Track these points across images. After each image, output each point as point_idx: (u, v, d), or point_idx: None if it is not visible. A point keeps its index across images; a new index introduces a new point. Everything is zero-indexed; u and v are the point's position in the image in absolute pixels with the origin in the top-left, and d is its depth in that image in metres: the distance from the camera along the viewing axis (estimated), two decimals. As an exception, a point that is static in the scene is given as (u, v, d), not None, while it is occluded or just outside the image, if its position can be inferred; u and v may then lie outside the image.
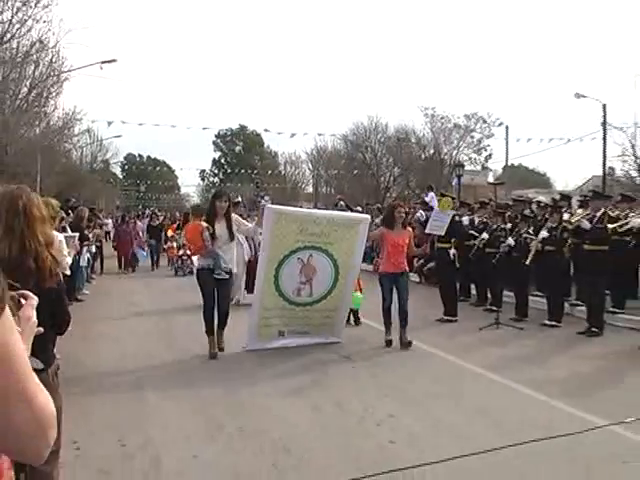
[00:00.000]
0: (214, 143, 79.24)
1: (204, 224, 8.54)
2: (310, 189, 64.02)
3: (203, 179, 79.57)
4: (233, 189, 62.55)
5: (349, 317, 10.70)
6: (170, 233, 22.51)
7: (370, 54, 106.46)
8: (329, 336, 9.43)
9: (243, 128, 74.91)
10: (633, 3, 78.30)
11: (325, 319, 9.40)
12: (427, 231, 11.63)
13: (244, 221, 9.39)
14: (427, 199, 20.45)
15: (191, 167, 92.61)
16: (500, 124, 45.15)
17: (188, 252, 19.27)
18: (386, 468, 4.88)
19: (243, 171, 63.22)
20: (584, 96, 29.20)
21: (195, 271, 9.24)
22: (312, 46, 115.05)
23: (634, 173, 26.09)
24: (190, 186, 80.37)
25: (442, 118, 47.12)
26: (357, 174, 50.29)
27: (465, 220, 13.24)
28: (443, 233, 11.58)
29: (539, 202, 14.79)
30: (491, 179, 47.95)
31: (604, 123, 28.33)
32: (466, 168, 43.26)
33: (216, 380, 7.53)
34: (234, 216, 8.93)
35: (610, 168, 29.62)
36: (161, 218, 23.78)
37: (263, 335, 9.02)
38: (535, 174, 68.45)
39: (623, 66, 74.59)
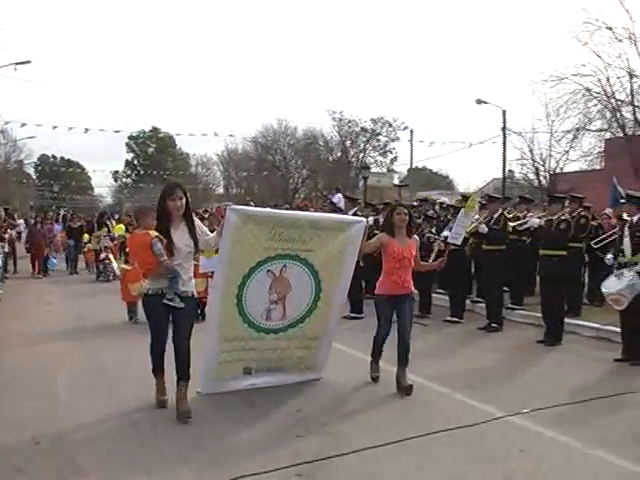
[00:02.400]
0: (127, 145, 79.33)
1: (153, 233, 6.13)
2: (221, 190, 64.35)
3: (116, 180, 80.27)
4: (145, 190, 62.12)
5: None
6: (86, 237, 21.42)
7: (279, 58, 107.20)
8: (308, 373, 7.39)
9: (156, 130, 74.60)
10: (530, 15, 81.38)
11: (303, 350, 7.26)
12: (449, 240, 10.09)
13: (206, 229, 6.72)
14: (335, 200, 20.60)
15: (104, 168, 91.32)
16: (405, 128, 46.33)
17: (110, 256, 18.13)
18: (295, 461, 4.95)
19: (155, 172, 63.10)
20: (485, 102, 30.08)
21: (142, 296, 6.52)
22: (222, 50, 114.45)
23: (532, 176, 27.06)
24: (103, 187, 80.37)
25: (349, 122, 48.06)
26: (266, 175, 50.52)
27: (370, 220, 13.43)
28: (460, 242, 10.38)
29: (442, 203, 15.16)
30: (396, 181, 48.99)
31: (504, 128, 29.26)
32: (372, 170, 44.12)
33: (132, 377, 7.36)
34: (196, 220, 6.53)
35: (510, 171, 30.70)
36: (78, 223, 22.75)
37: (223, 373, 6.85)
38: (438, 176, 70.25)
39: (521, 74, 77.38)
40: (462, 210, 10.21)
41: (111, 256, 18.08)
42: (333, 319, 7.34)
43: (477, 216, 11.14)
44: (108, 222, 21.02)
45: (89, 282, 18.73)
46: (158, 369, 6.35)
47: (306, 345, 7.26)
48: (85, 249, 21.36)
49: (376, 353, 7.39)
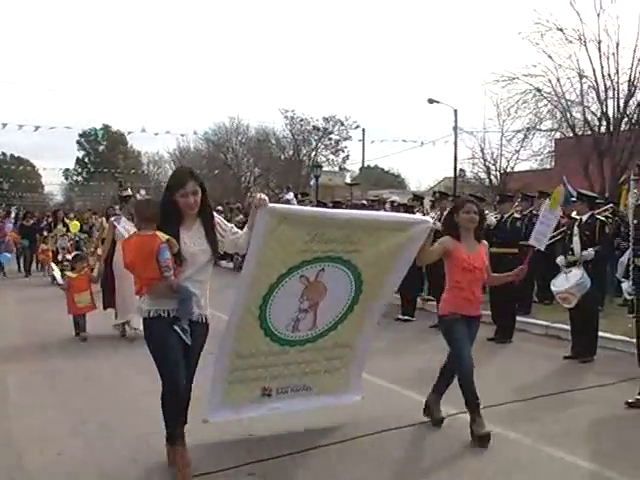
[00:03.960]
0: (78, 142, 79.35)
1: (162, 236, 4.52)
2: (173, 188, 63.77)
3: (67, 178, 79.75)
4: (97, 188, 61.47)
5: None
6: (43, 246, 19.81)
7: (231, 57, 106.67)
8: (341, 393, 6.15)
9: (107, 127, 73.98)
10: (482, 15, 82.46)
11: (334, 361, 6.04)
12: (531, 243, 7.30)
13: (231, 225, 5.16)
14: (288, 197, 20.61)
15: (55, 166, 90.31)
16: (357, 127, 46.47)
17: (68, 256, 15.63)
18: (247, 460, 4.94)
19: (106, 170, 62.80)
20: (437, 101, 30.35)
21: (141, 320, 4.86)
22: (173, 47, 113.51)
23: (483, 175, 27.39)
24: (54, 185, 79.39)
25: (301, 120, 47.93)
26: (218, 174, 50.20)
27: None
28: (543, 247, 7.26)
29: (393, 202, 15.21)
30: (348, 180, 49.03)
31: (455, 127, 29.57)
32: (324, 169, 44.18)
33: (84, 379, 7.35)
34: (217, 217, 5.00)
35: (461, 170, 31.06)
36: (31, 221, 21.91)
37: (235, 396, 5.57)
38: (390, 175, 70.72)
39: (473, 74, 78.65)
40: (546, 205, 7.70)
41: (59, 258, 17.01)
42: (370, 324, 6.16)
43: (432, 213, 11.10)
44: (67, 220, 20.16)
45: (44, 285, 17.45)
46: (174, 434, 4.68)
47: (337, 355, 6.06)
48: (40, 249, 19.93)
49: (441, 386, 6.06)
